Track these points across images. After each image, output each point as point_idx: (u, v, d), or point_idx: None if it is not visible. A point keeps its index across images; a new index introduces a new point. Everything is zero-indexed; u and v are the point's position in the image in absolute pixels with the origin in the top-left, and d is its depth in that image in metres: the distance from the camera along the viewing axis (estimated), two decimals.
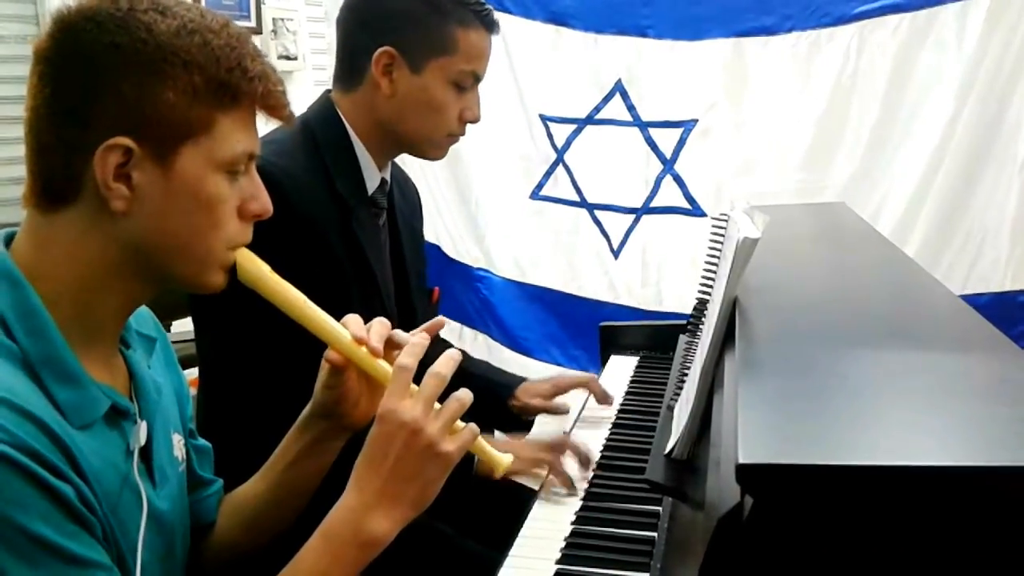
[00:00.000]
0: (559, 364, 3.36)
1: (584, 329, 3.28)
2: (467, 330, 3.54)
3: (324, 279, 1.24)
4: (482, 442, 0.98)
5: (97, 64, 0.82)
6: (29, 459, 0.74)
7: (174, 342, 1.11)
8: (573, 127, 3.16)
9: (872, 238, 1.68)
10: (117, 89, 0.81)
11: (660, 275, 3.16)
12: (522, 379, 1.76)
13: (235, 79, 0.85)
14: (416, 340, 0.95)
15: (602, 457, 1.47)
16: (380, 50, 1.40)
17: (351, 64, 1.45)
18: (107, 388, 0.87)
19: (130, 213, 0.83)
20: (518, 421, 1.76)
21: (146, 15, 0.83)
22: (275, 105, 0.90)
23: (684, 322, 1.51)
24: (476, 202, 3.41)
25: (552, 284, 3.35)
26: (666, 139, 3.04)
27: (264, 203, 0.92)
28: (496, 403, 1.71)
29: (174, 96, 0.82)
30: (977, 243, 2.67)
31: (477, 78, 1.46)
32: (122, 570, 0.84)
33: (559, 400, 1.73)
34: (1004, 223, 2.63)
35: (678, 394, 1.33)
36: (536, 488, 1.40)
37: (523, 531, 1.26)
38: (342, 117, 1.44)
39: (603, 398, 1.72)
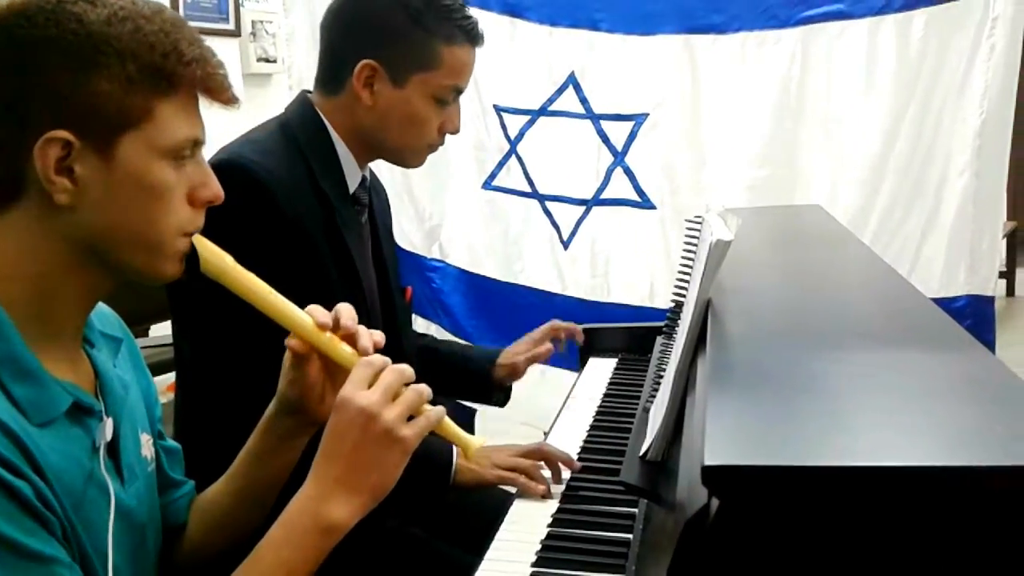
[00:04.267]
0: None
1: (532, 319, 3.20)
2: (420, 320, 3.49)
3: (309, 277, 1.24)
4: (451, 424, 0.98)
5: (30, 59, 0.81)
6: None
7: (151, 347, 1.11)
8: (527, 118, 3.14)
9: (845, 240, 1.69)
10: (51, 83, 0.81)
11: (608, 266, 3.16)
12: (498, 350, 1.80)
13: (170, 65, 0.84)
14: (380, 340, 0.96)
15: (579, 459, 1.47)
16: (362, 63, 1.39)
17: (334, 71, 1.44)
18: (69, 385, 0.86)
19: (76, 206, 0.83)
20: (500, 392, 1.79)
21: (76, 6, 0.82)
22: (215, 88, 0.89)
23: (659, 323, 1.52)
24: (430, 192, 3.38)
25: (501, 275, 3.33)
26: (617, 132, 3.03)
27: (215, 189, 0.91)
28: (480, 375, 1.75)
29: (109, 86, 0.82)
30: (914, 249, 2.70)
31: (459, 91, 1.46)
32: (87, 569, 0.83)
33: (542, 348, 1.79)
34: (942, 230, 2.65)
35: (654, 396, 1.34)
36: (513, 491, 1.40)
37: (499, 534, 1.25)
38: (323, 118, 1.43)
39: (574, 334, 1.85)
